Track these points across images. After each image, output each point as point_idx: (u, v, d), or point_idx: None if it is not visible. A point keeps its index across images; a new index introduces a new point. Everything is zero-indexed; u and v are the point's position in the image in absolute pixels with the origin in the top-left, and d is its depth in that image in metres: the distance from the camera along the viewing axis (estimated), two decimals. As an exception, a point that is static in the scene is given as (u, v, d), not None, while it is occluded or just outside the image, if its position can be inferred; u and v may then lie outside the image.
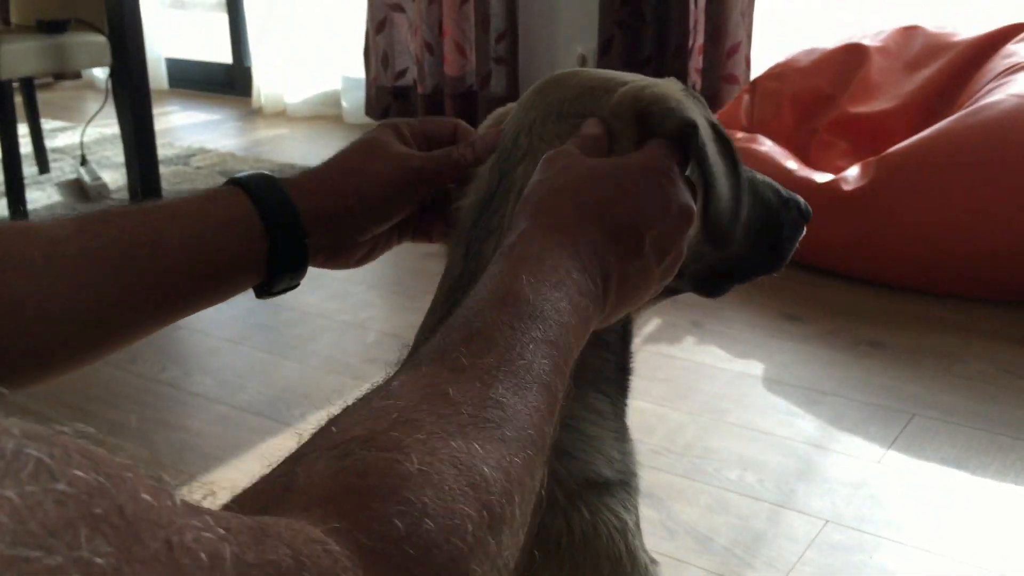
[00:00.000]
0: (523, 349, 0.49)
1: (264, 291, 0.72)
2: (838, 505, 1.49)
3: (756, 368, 1.93)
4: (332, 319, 2.20)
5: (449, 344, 0.49)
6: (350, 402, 0.46)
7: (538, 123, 0.68)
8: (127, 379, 1.93)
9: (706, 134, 0.64)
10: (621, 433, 0.67)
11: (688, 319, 2.14)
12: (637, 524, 0.65)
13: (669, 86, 0.67)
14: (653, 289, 0.62)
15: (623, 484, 0.64)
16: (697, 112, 0.65)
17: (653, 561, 0.64)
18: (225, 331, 2.14)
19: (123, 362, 2.00)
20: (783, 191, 0.77)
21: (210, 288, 0.68)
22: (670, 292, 0.73)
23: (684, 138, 0.63)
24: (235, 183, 0.69)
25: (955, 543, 1.39)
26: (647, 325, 2.12)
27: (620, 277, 0.58)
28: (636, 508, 0.66)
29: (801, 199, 0.78)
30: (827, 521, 1.45)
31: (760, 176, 0.76)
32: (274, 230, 0.67)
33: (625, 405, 0.70)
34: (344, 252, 0.75)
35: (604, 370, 0.67)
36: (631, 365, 0.71)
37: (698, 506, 1.49)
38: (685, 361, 1.96)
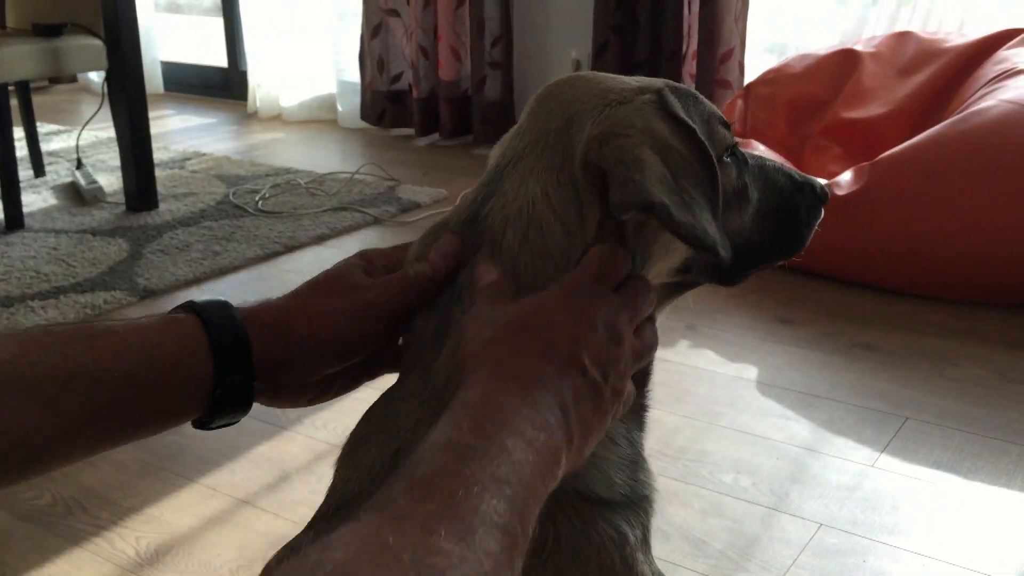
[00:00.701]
0: (468, 493, 0.48)
1: (202, 425, 0.69)
2: (832, 509, 1.49)
3: (750, 371, 1.93)
4: (328, 323, 2.20)
5: (390, 495, 0.48)
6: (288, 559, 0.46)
7: (526, 155, 0.68)
8: (123, 383, 1.93)
9: (670, 196, 0.62)
10: (634, 461, 0.67)
11: (683, 323, 2.15)
12: (644, 539, 0.66)
13: (638, 122, 0.66)
14: (612, 411, 0.61)
15: (628, 504, 0.65)
16: (654, 178, 0.63)
17: (659, 574, 0.65)
18: (221, 335, 2.14)
19: (119, 366, 2.00)
20: (797, 175, 0.77)
21: (148, 423, 0.66)
22: (688, 286, 0.74)
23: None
24: (192, 309, 0.68)
25: (948, 546, 1.40)
26: (642, 329, 2.12)
27: (576, 402, 0.57)
28: (645, 526, 0.66)
29: (818, 182, 0.78)
30: (821, 524, 1.46)
31: (771, 162, 0.76)
32: (223, 374, 0.66)
33: (642, 437, 0.70)
34: (292, 394, 0.73)
35: (631, 412, 0.68)
36: (648, 402, 0.71)
37: (692, 509, 1.50)
38: (679, 364, 1.97)
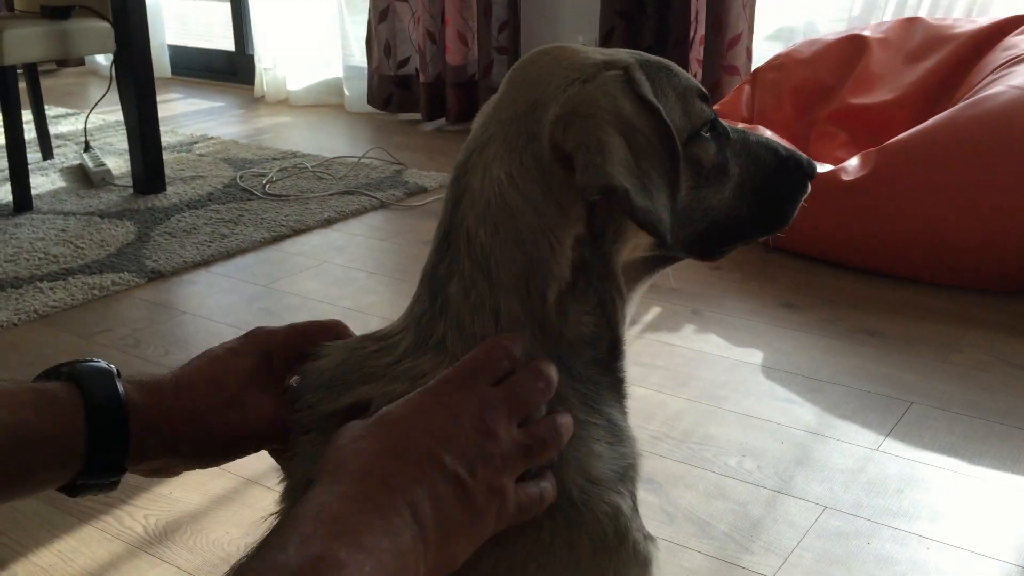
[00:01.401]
0: None
1: (67, 491, 0.67)
2: (836, 492, 1.50)
3: (755, 356, 1.94)
4: (334, 305, 2.21)
5: None
6: None
7: (488, 144, 0.67)
8: (131, 362, 1.94)
9: (630, 180, 0.62)
10: (614, 435, 0.67)
11: (687, 307, 2.15)
12: (633, 507, 0.66)
13: (602, 101, 0.64)
14: (489, 508, 0.58)
15: (617, 477, 0.65)
16: (616, 161, 0.62)
17: (648, 537, 0.66)
18: (227, 316, 2.16)
19: (126, 345, 2.01)
20: (782, 150, 0.76)
21: (5, 488, 0.64)
22: (667, 260, 0.73)
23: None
24: (73, 379, 0.65)
25: (952, 530, 1.41)
26: (647, 314, 2.13)
27: (433, 501, 0.55)
28: (632, 492, 0.67)
29: (804, 156, 0.76)
30: (825, 507, 1.46)
31: (755, 137, 0.75)
32: (96, 461, 0.64)
33: (621, 408, 0.70)
34: (155, 474, 0.72)
35: (601, 386, 0.68)
36: (623, 374, 0.71)
37: (697, 491, 1.51)
38: (684, 349, 1.97)
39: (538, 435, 0.61)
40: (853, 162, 2.25)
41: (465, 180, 0.67)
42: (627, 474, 0.66)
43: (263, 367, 0.70)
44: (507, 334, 0.64)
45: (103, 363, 0.66)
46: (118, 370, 0.67)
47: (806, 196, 0.77)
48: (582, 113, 0.63)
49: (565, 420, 0.62)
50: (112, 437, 0.64)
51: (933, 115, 2.27)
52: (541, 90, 0.66)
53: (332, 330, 0.73)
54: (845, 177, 2.22)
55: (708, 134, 0.71)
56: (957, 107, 2.23)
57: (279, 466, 0.74)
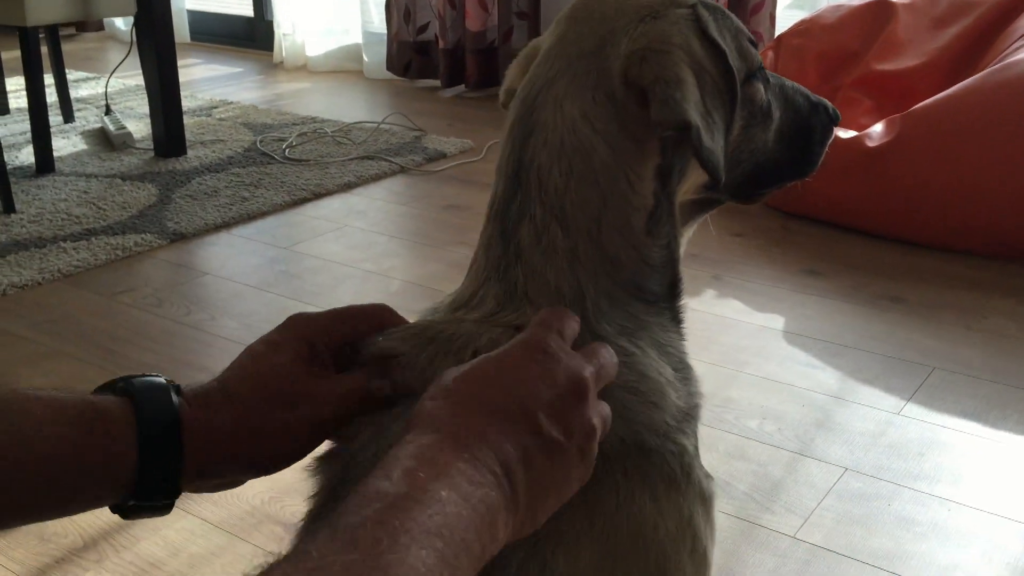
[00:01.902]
0: (394, 543, 0.45)
1: (119, 512, 0.65)
2: (857, 454, 1.50)
3: (776, 321, 1.94)
4: (356, 268, 2.22)
5: (309, 545, 0.45)
6: None
7: (556, 80, 0.67)
8: (154, 321, 1.96)
9: (702, 119, 0.63)
10: (684, 373, 0.68)
11: (709, 273, 2.15)
12: (695, 447, 0.67)
13: (676, 38, 0.65)
14: (580, 468, 0.58)
15: (684, 416, 0.66)
16: (692, 98, 0.64)
17: (708, 476, 0.66)
18: (249, 278, 2.17)
19: (150, 305, 2.03)
20: (812, 96, 0.79)
21: (45, 512, 0.62)
22: (710, 204, 0.75)
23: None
24: (127, 394, 0.62)
25: (973, 492, 1.41)
26: (668, 278, 2.13)
27: (526, 462, 0.54)
28: (696, 433, 0.68)
29: (829, 103, 0.80)
30: (846, 469, 1.47)
31: (789, 83, 0.78)
32: (144, 489, 0.61)
33: (682, 331, 0.71)
34: (217, 488, 0.68)
35: (657, 306, 0.68)
36: (683, 315, 0.72)
37: (717, 452, 1.51)
38: (705, 314, 1.97)
39: (607, 412, 0.60)
40: (878, 128, 2.23)
41: (535, 116, 0.66)
42: (692, 413, 0.66)
43: (306, 356, 0.66)
44: (565, 308, 0.63)
45: (161, 378, 0.64)
46: (177, 385, 0.64)
47: (830, 142, 0.80)
48: (657, 48, 0.64)
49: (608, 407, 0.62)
50: (164, 456, 0.61)
51: (959, 81, 2.25)
52: (610, 25, 0.67)
53: (377, 315, 0.70)
54: (869, 143, 2.20)
55: (758, 76, 0.73)
56: (984, 73, 2.20)
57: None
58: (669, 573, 0.63)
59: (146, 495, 0.62)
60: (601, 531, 0.61)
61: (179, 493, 0.63)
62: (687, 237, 0.75)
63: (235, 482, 0.68)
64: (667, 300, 0.69)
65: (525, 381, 0.57)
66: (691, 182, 0.70)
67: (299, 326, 0.68)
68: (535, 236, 0.65)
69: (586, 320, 0.64)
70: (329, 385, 0.65)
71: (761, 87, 0.73)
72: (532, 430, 0.55)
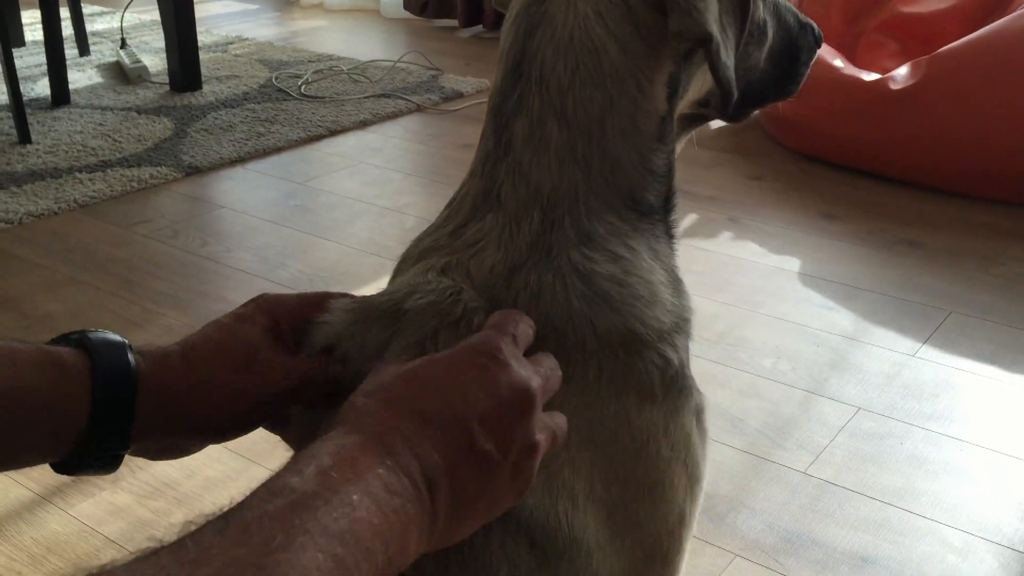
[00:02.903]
0: (288, 542, 0.42)
1: (61, 470, 0.62)
2: (870, 394, 1.50)
3: (792, 263, 1.92)
4: (371, 204, 2.21)
5: (199, 535, 0.42)
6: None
7: None
8: (170, 252, 1.96)
9: (720, 34, 0.62)
10: (675, 284, 0.67)
11: (725, 215, 2.13)
12: (684, 361, 0.66)
13: None
14: (514, 486, 0.54)
15: (674, 328, 0.65)
16: (713, 11, 0.63)
17: (698, 391, 0.66)
18: (265, 212, 2.16)
19: (165, 236, 2.03)
20: (800, 16, 0.78)
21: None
22: (699, 120, 0.74)
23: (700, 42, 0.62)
24: (86, 351, 0.60)
25: (986, 432, 1.41)
26: (684, 219, 2.11)
27: (451, 475, 0.51)
28: (686, 347, 0.67)
29: (815, 24, 0.79)
30: (859, 408, 1.47)
31: (781, 1, 0.77)
32: (96, 437, 0.59)
33: (674, 247, 0.70)
34: (157, 454, 0.66)
35: (651, 218, 0.67)
36: (676, 230, 0.71)
37: (730, 390, 1.51)
38: (721, 255, 1.96)
39: (560, 424, 0.58)
40: (902, 71, 2.20)
41: (544, 8, 0.65)
42: (684, 327, 0.65)
43: (272, 332, 0.65)
44: (518, 311, 0.60)
45: (115, 336, 0.62)
46: (129, 344, 0.62)
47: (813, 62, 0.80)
48: None
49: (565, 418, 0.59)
50: (119, 408, 0.59)
51: (986, 25, 2.20)
52: None
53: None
54: (893, 86, 2.17)
55: None
56: (1012, 16, 2.15)
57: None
58: (664, 484, 0.63)
59: (96, 448, 0.59)
60: (601, 444, 0.61)
61: (127, 448, 0.61)
62: (678, 152, 0.74)
63: (180, 448, 0.66)
64: (661, 213, 0.68)
65: (465, 388, 0.53)
66: (690, 96, 0.70)
67: (267, 304, 0.67)
68: (529, 131, 0.64)
69: (576, 219, 0.63)
70: (289, 361, 0.64)
71: (761, 5, 0.72)
72: (464, 441, 0.51)
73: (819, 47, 0.79)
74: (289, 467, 0.47)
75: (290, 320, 0.67)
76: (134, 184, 2.25)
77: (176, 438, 0.64)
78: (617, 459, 0.62)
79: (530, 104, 0.64)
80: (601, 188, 0.64)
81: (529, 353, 0.59)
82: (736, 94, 0.64)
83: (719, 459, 1.36)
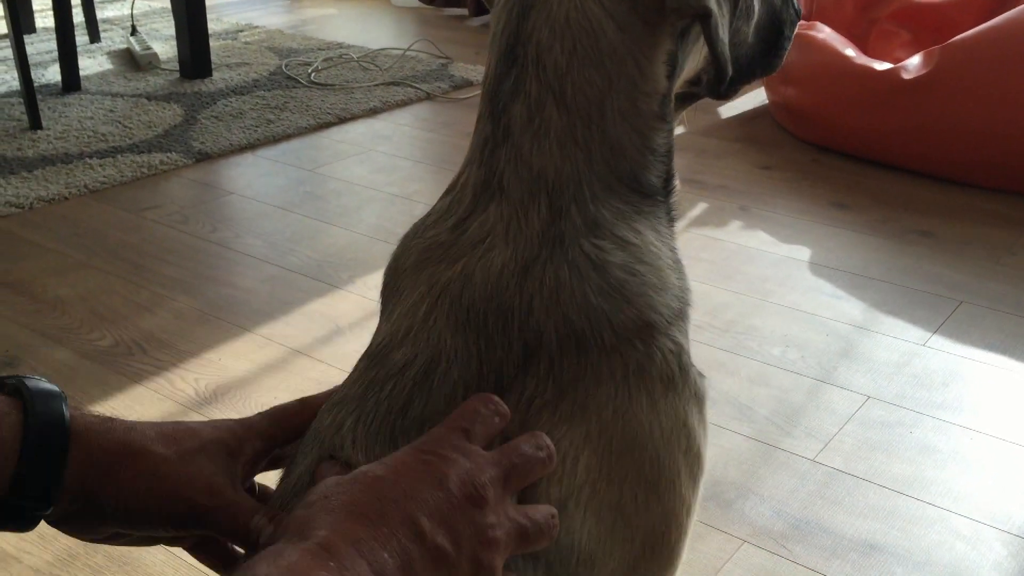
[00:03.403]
0: None
1: None
2: (880, 383, 1.50)
3: (802, 253, 1.92)
4: (380, 191, 2.21)
5: None
6: None
7: None
8: (179, 237, 1.96)
9: (718, 10, 0.62)
10: (678, 268, 0.67)
11: (735, 204, 2.13)
12: (687, 346, 0.66)
13: None
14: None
15: (680, 314, 0.65)
16: None
17: (701, 375, 0.66)
18: (274, 198, 2.16)
19: (175, 221, 2.03)
20: None
21: None
22: (691, 99, 0.74)
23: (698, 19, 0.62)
24: (21, 403, 0.57)
25: (996, 421, 1.40)
26: (694, 209, 2.11)
27: (405, 572, 0.49)
28: (687, 333, 0.67)
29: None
30: (868, 397, 1.46)
31: None
32: (20, 488, 0.56)
33: (674, 231, 0.70)
34: (83, 531, 0.62)
35: (655, 196, 0.67)
36: (676, 213, 0.70)
37: (739, 378, 1.51)
38: (731, 244, 1.96)
39: (536, 519, 0.55)
40: (915, 60, 2.18)
41: None
42: (684, 311, 0.65)
43: (229, 447, 0.62)
44: (491, 395, 0.58)
45: (51, 385, 0.59)
46: (65, 396, 0.59)
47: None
48: None
49: (555, 515, 0.58)
50: (48, 456, 0.56)
51: (1000, 14, 2.19)
52: None
53: (298, 414, 0.66)
54: (905, 75, 2.16)
55: None
56: (1027, 6, 2.14)
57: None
58: (664, 473, 0.62)
59: (21, 494, 0.56)
60: (599, 435, 0.60)
61: (50, 506, 0.57)
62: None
63: (93, 527, 0.61)
64: (663, 195, 0.67)
65: (408, 484, 0.51)
66: (684, 74, 0.69)
67: (234, 421, 0.65)
68: (527, 116, 0.62)
69: (582, 205, 0.62)
70: (228, 484, 0.61)
71: None
72: (414, 536, 0.49)
73: (799, 20, 0.80)
74: None
75: (252, 447, 0.64)
76: (144, 170, 2.25)
77: (98, 506, 0.59)
78: (641, 452, 0.61)
79: (527, 87, 0.63)
80: (603, 172, 0.63)
81: (562, 358, 0.58)
82: (731, 71, 0.64)
83: (727, 446, 1.35)
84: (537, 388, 0.59)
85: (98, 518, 0.60)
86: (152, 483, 0.59)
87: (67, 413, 0.57)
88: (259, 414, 0.66)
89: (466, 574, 0.51)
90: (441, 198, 0.68)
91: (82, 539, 0.63)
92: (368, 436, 0.59)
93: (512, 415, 0.58)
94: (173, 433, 0.61)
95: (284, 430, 0.65)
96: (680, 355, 0.63)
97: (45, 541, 1.17)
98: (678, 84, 0.69)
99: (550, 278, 0.60)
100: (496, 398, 0.58)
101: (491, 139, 0.64)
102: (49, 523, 0.60)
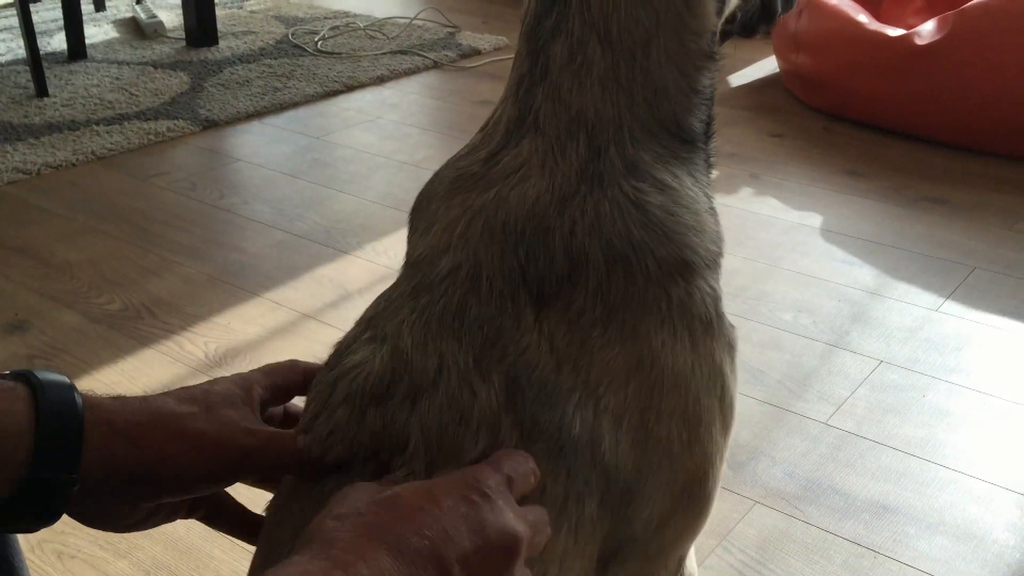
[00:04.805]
0: None
1: None
2: (892, 348, 1.49)
3: (814, 219, 1.91)
4: (389, 158, 2.20)
5: None
6: None
7: None
8: (187, 203, 1.96)
9: None
10: (715, 214, 0.66)
11: (746, 172, 2.11)
12: (721, 295, 0.65)
13: None
14: None
15: (716, 261, 0.64)
16: None
17: (732, 325, 0.65)
18: (282, 165, 2.15)
19: (183, 188, 2.02)
20: None
21: None
22: (724, 36, 0.73)
23: None
24: (28, 384, 0.54)
25: (1011, 385, 1.39)
26: (705, 175, 2.09)
27: None
28: (719, 282, 0.66)
29: None
30: (881, 361, 1.45)
31: None
32: (40, 466, 0.53)
33: (711, 179, 0.69)
34: (114, 516, 0.60)
35: (696, 141, 0.65)
36: (714, 160, 0.69)
37: (751, 343, 1.50)
38: (741, 210, 1.94)
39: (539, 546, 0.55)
40: (928, 26, 2.16)
41: None
42: (718, 261, 0.64)
43: (243, 393, 0.61)
44: (530, 455, 0.55)
45: (58, 374, 0.57)
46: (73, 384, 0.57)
47: None
48: None
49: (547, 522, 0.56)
50: (63, 437, 0.54)
51: (1016, -21, 2.16)
52: None
53: (292, 371, 0.65)
54: (919, 41, 2.13)
55: None
56: (1043, -30, 2.11)
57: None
58: (700, 417, 0.62)
59: (40, 485, 0.53)
60: (651, 365, 0.59)
61: (73, 486, 0.54)
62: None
63: (121, 510, 0.60)
64: (703, 140, 0.66)
65: (448, 523, 0.49)
66: (729, 10, 0.68)
67: (240, 374, 0.64)
68: (569, 54, 0.61)
69: (621, 147, 0.61)
70: (254, 419, 0.60)
71: None
72: None
73: None
74: None
75: (262, 387, 0.63)
76: (151, 137, 2.24)
77: (129, 488, 0.57)
78: (686, 392, 0.60)
79: (570, 26, 0.61)
80: (645, 114, 0.61)
81: (609, 278, 0.57)
82: (782, 6, 0.63)
83: (740, 409, 1.33)
84: (586, 303, 0.58)
85: (135, 491, 0.57)
86: (186, 442, 0.57)
87: (78, 399, 0.55)
88: (252, 370, 0.65)
89: None
90: (475, 135, 0.67)
91: (117, 529, 0.61)
92: (426, 331, 0.58)
93: (559, 325, 0.58)
94: (188, 394, 0.60)
95: (279, 384, 0.65)
96: (717, 301, 0.62)
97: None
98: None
99: (590, 209, 0.59)
100: (533, 459, 0.55)
101: (527, 76, 0.62)
102: (84, 521, 0.58)
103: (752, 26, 0.72)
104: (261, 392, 0.63)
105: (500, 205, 0.60)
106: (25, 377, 0.55)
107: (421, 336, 0.58)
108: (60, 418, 0.53)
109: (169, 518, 0.63)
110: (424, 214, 0.65)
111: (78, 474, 0.54)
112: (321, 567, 0.45)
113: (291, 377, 0.65)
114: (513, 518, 0.51)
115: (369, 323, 0.62)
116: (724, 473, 0.66)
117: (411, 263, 0.63)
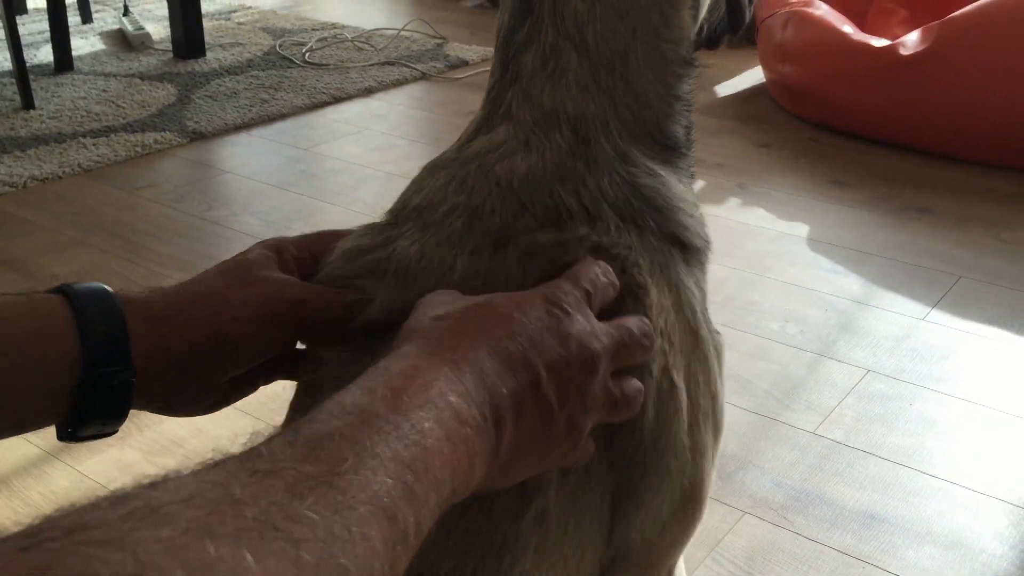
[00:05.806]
0: (360, 465, 0.39)
1: (69, 435, 0.57)
2: (880, 357, 1.49)
3: (801, 229, 1.91)
4: (376, 169, 2.20)
5: (264, 448, 0.39)
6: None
7: None
8: (175, 216, 1.95)
9: None
10: (695, 200, 0.67)
11: (733, 182, 2.12)
12: (706, 297, 0.66)
13: None
14: (564, 444, 0.52)
15: (705, 252, 0.65)
16: None
17: (716, 331, 0.65)
18: (270, 177, 2.15)
19: (170, 200, 2.02)
20: None
21: None
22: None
23: None
24: (60, 292, 0.56)
25: (997, 394, 1.40)
26: (692, 186, 2.10)
27: (517, 413, 0.49)
28: (705, 284, 0.66)
29: None
30: (868, 371, 1.46)
31: None
32: (93, 364, 0.54)
33: (692, 186, 0.69)
34: (191, 398, 0.61)
35: (679, 148, 0.66)
36: (694, 169, 0.70)
37: (738, 352, 1.50)
38: (728, 220, 1.95)
39: (627, 393, 0.55)
40: (913, 36, 2.18)
41: None
42: (702, 259, 0.65)
43: (277, 256, 0.63)
44: (608, 265, 0.56)
45: (94, 283, 0.58)
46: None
47: None
48: None
49: (641, 389, 0.57)
50: (108, 329, 0.55)
51: (999, -10, 2.18)
52: None
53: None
54: (903, 52, 2.15)
55: None
56: (1025, -19, 2.13)
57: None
58: (698, 413, 0.62)
59: (95, 392, 0.55)
60: (692, 311, 0.61)
61: (131, 377, 0.56)
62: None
63: (201, 392, 0.61)
64: (686, 146, 0.67)
65: (536, 332, 0.51)
66: (700, 19, 0.69)
67: (270, 241, 0.65)
68: (542, 61, 0.61)
69: (611, 139, 0.61)
70: (294, 280, 0.61)
71: None
72: (531, 384, 0.49)
73: None
74: (361, 383, 0.45)
75: (294, 251, 0.64)
76: (138, 149, 2.24)
77: (190, 371, 0.58)
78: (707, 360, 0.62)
79: (542, 37, 0.61)
80: (628, 119, 0.62)
81: (625, 227, 0.58)
82: (748, 16, 0.64)
83: (727, 419, 1.34)
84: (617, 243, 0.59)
85: (198, 370, 0.59)
86: (231, 311, 0.58)
87: (116, 302, 0.56)
88: (282, 236, 0.66)
89: (561, 432, 0.51)
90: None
91: (199, 412, 0.63)
92: (439, 245, 0.59)
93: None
94: (222, 268, 0.61)
95: (310, 248, 0.66)
96: (703, 300, 0.63)
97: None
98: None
99: (592, 184, 0.59)
100: (611, 269, 0.57)
101: (499, 83, 0.63)
102: (167, 411, 0.60)
103: (716, 38, 0.72)
104: (294, 252, 0.64)
105: (487, 173, 0.60)
106: (59, 289, 0.56)
107: (434, 246, 0.59)
108: (100, 315, 0.55)
109: (251, 388, 0.65)
110: (406, 195, 0.65)
111: (131, 365, 0.55)
112: (428, 363, 0.47)
113: (321, 245, 0.66)
114: (590, 332, 0.53)
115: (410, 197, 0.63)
116: (714, 481, 0.66)
117: (402, 212, 0.63)
